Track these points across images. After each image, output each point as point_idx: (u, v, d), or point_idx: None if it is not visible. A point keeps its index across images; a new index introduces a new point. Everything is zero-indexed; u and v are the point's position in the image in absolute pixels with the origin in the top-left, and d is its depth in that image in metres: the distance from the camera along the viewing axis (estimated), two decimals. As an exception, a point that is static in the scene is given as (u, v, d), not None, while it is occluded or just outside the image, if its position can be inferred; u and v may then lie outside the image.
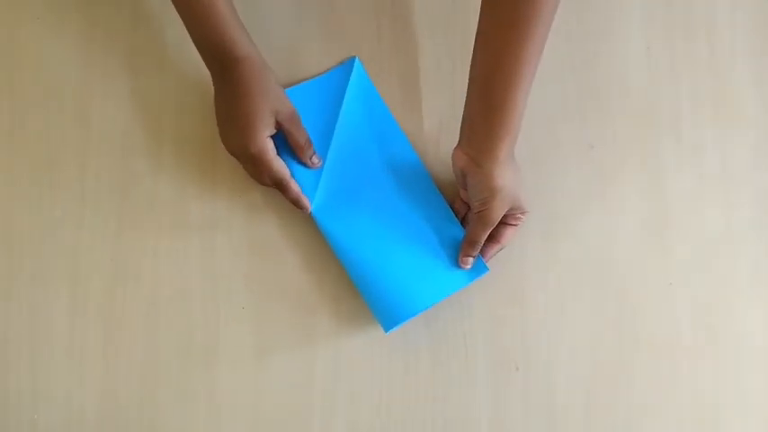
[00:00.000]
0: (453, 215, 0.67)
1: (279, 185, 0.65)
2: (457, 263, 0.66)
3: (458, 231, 0.67)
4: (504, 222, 0.64)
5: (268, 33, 0.69)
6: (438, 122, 0.70)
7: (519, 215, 0.64)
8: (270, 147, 0.63)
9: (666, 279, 0.69)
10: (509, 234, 0.65)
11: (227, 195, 0.68)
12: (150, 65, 0.70)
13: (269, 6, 0.70)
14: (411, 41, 0.71)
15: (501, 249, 0.66)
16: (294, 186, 0.65)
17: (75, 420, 0.66)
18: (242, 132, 0.63)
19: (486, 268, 0.66)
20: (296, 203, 0.66)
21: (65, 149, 0.68)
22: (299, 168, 0.67)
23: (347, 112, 0.68)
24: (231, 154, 0.65)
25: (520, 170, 0.63)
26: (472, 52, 0.59)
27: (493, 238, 0.65)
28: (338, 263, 0.67)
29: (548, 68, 0.70)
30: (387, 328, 0.65)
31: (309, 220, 0.68)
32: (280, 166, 0.64)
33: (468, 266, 0.66)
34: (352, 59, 0.69)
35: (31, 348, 0.66)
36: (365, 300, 0.66)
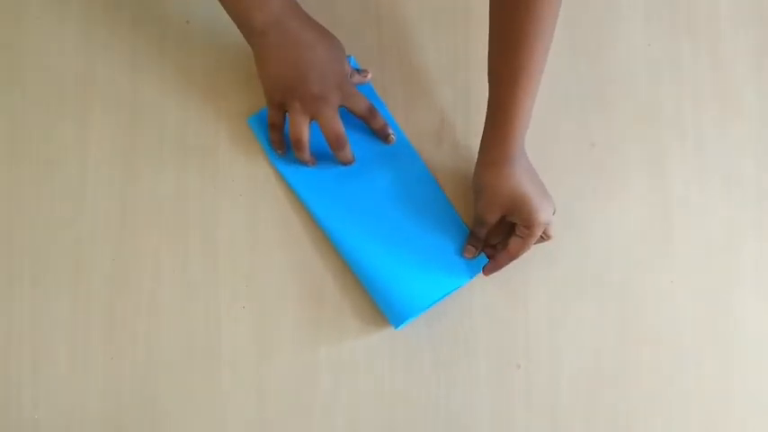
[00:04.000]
0: (454, 209, 0.68)
1: (371, 113, 0.66)
2: (461, 255, 0.66)
3: (459, 224, 0.67)
4: (513, 232, 0.64)
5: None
6: (439, 120, 0.70)
7: (523, 228, 0.63)
8: None
9: (668, 277, 0.69)
10: (513, 244, 0.64)
11: (228, 194, 0.68)
12: (151, 64, 0.70)
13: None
14: (412, 39, 0.71)
15: (512, 259, 0.65)
16: (379, 113, 0.67)
17: (77, 420, 0.66)
18: (332, 65, 0.63)
19: (486, 259, 0.66)
20: (385, 130, 0.67)
21: (65, 149, 0.68)
22: (301, 171, 0.68)
23: (346, 112, 0.68)
24: (310, 99, 0.63)
25: (524, 187, 0.62)
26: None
27: (504, 246, 0.65)
28: (339, 262, 0.67)
29: (548, 66, 0.70)
30: (397, 324, 0.65)
31: (311, 219, 0.68)
32: (364, 96, 0.66)
33: (469, 255, 0.66)
34: (348, 59, 0.69)
35: (32, 348, 0.66)
36: (374, 298, 0.66)
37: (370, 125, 0.67)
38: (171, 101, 0.69)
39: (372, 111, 0.66)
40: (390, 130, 0.67)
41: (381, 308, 0.66)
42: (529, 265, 0.68)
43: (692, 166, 0.70)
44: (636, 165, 0.70)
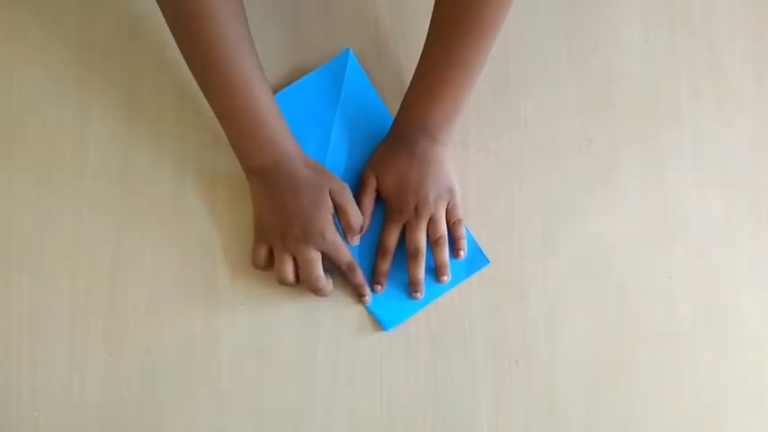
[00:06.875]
0: None
1: (350, 269, 0.64)
2: (454, 256, 0.66)
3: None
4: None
5: (264, 25, 0.69)
6: (436, 118, 0.70)
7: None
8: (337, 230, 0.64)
9: (666, 273, 0.69)
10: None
11: (227, 193, 0.68)
12: (149, 64, 0.70)
13: None
14: (409, 33, 0.71)
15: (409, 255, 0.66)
16: (360, 271, 0.65)
17: (76, 419, 0.66)
18: (310, 223, 0.62)
19: (486, 260, 0.66)
20: (360, 289, 0.65)
21: (64, 149, 0.68)
22: None
23: (343, 107, 0.68)
24: (292, 239, 0.62)
25: (398, 164, 0.64)
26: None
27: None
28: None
29: (545, 63, 0.71)
30: (387, 326, 0.65)
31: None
32: (347, 249, 0.64)
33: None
34: (346, 52, 0.69)
35: (31, 346, 0.66)
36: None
37: (348, 280, 0.65)
38: (169, 101, 0.69)
39: (351, 267, 0.64)
40: (366, 291, 0.66)
41: (372, 310, 0.66)
42: (527, 262, 0.68)
43: (689, 162, 0.70)
44: (633, 161, 0.70)
